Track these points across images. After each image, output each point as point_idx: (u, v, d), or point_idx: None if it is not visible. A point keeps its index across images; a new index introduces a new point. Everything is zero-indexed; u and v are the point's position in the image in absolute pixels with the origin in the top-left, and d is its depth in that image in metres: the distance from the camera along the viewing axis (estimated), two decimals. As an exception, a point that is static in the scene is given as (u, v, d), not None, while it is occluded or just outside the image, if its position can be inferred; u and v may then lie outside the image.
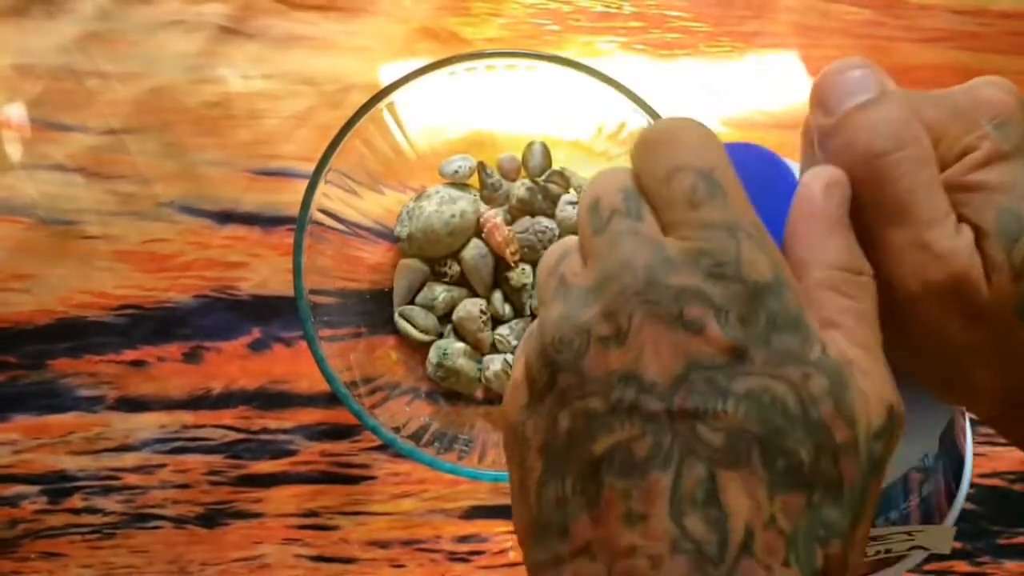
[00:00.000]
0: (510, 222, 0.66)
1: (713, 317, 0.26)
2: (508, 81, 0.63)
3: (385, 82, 0.62)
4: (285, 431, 0.68)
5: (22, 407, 0.68)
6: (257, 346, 0.68)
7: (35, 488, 0.67)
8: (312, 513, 0.68)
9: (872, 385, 0.27)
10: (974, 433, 0.46)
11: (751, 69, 0.70)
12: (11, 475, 0.67)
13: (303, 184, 0.60)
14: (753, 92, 0.70)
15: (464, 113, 0.66)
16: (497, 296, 0.66)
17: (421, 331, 0.65)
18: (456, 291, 0.66)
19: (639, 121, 0.61)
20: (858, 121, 0.30)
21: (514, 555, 0.67)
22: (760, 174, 0.31)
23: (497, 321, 0.67)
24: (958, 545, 0.66)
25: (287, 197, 0.68)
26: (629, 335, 0.26)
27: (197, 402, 0.68)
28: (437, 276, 0.66)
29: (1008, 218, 0.29)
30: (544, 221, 0.66)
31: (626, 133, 0.63)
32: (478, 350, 0.66)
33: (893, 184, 0.29)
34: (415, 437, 0.61)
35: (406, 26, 0.69)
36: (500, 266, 0.66)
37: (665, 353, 0.26)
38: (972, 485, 0.44)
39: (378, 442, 0.66)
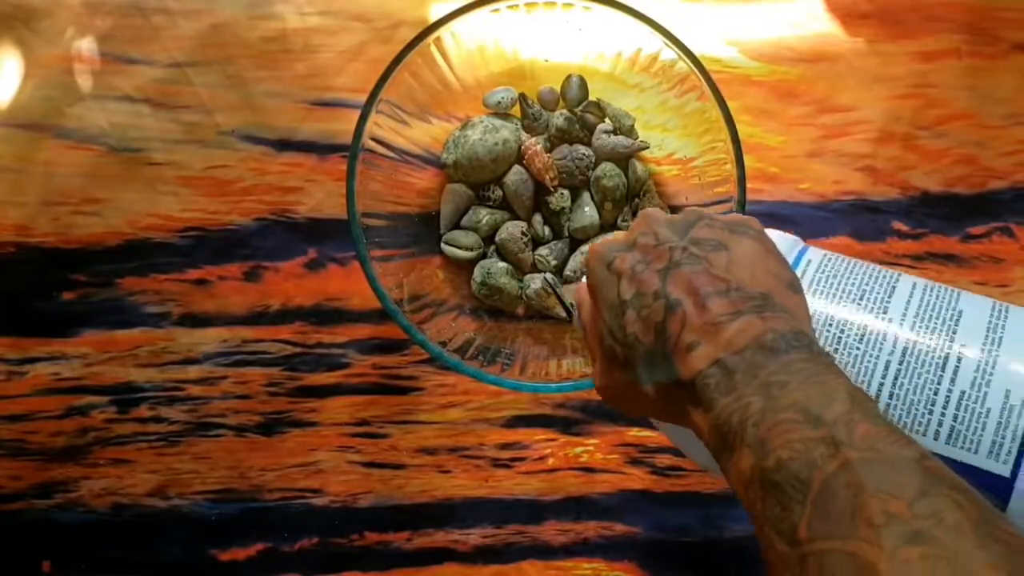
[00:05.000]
0: (549, 149, 0.69)
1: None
2: (547, 18, 0.65)
3: (433, 18, 0.65)
4: (339, 345, 0.71)
5: (93, 323, 0.71)
6: (312, 266, 0.71)
7: (105, 399, 0.71)
8: (364, 422, 0.71)
9: None
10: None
11: (777, 4, 0.72)
12: (82, 386, 0.71)
13: (356, 114, 0.62)
14: (779, 27, 0.72)
15: (506, 48, 0.69)
16: (537, 219, 0.69)
17: (465, 248, 0.68)
18: (499, 214, 0.69)
19: (669, 55, 0.64)
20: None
21: (552, 461, 0.70)
22: None
23: (537, 242, 0.70)
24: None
25: (341, 126, 0.71)
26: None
27: (256, 318, 0.71)
28: (481, 200, 0.69)
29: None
30: (581, 148, 0.69)
31: (657, 66, 0.66)
32: (519, 269, 0.69)
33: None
34: (461, 351, 0.64)
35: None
36: (540, 191, 0.69)
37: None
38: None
39: (426, 356, 0.69)
